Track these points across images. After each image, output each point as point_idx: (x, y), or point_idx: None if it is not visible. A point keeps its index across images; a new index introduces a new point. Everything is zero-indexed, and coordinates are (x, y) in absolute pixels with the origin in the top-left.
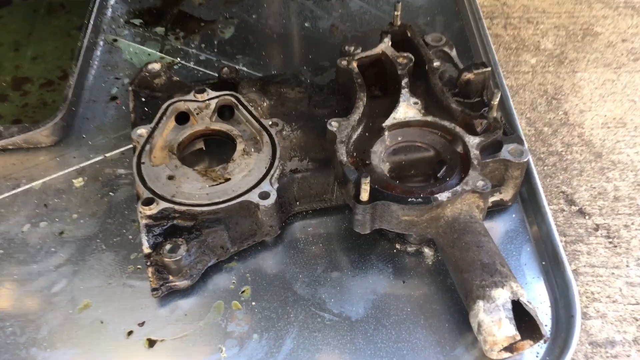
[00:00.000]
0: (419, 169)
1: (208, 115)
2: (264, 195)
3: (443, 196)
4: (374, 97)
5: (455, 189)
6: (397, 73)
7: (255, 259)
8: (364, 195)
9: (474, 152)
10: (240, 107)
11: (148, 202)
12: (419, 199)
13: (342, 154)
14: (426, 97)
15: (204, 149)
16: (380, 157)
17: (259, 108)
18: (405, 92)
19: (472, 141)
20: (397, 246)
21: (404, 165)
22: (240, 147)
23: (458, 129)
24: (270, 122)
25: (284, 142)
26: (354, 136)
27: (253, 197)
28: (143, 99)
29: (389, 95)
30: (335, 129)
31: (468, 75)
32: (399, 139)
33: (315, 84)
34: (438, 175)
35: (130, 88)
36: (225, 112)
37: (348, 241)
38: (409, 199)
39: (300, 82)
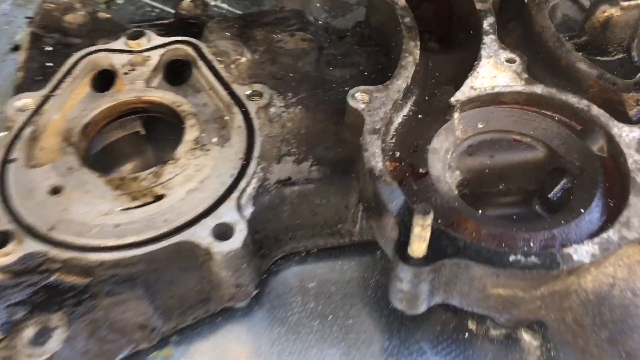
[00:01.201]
0: (513, 183)
1: (145, 76)
2: (223, 233)
3: (583, 254)
4: (432, 52)
5: (604, 236)
6: (474, 8)
7: (208, 340)
8: (418, 248)
9: (635, 157)
10: (200, 63)
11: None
12: (533, 259)
13: (375, 154)
14: (527, 50)
15: (143, 133)
16: (445, 160)
17: (233, 66)
18: (490, 40)
19: (628, 135)
20: (471, 325)
21: (488, 175)
22: (191, 134)
23: (595, 109)
24: (249, 91)
25: (270, 127)
26: (398, 120)
27: (201, 234)
28: (47, 48)
29: (460, 47)
30: (362, 105)
31: (608, 12)
32: (480, 126)
33: (332, 27)
34: (550, 194)
35: (28, 30)
36: (184, 72)
37: (380, 309)
38: (511, 258)
39: (306, 23)
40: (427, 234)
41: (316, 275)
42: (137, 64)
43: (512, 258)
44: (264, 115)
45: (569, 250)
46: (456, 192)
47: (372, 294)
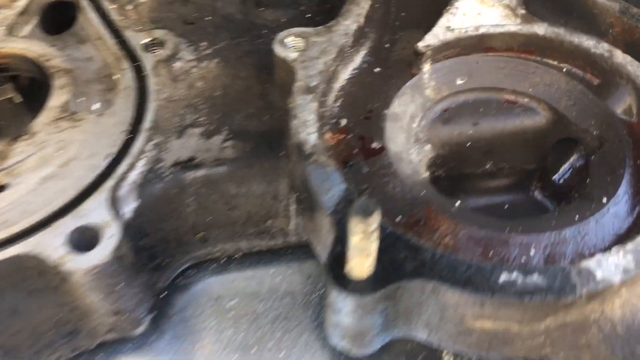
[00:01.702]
0: (505, 160)
1: (8, 22)
2: (84, 240)
3: (610, 269)
4: None
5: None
6: None
7: None
8: (360, 265)
9: None
10: (85, 3)
11: None
12: (535, 279)
13: (307, 123)
14: None
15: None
16: (410, 130)
17: (130, 7)
18: None
19: None
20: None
21: (471, 150)
22: (57, 99)
23: (618, 56)
24: (147, 40)
25: (173, 87)
26: (345, 75)
27: (50, 244)
28: None
29: None
30: (294, 54)
31: None
32: (460, 83)
33: None
34: (555, 176)
35: None
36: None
37: (324, 336)
38: (502, 278)
39: None
40: (372, 244)
41: (238, 289)
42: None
43: (503, 278)
44: (166, 72)
45: (589, 263)
46: (426, 174)
47: (313, 314)
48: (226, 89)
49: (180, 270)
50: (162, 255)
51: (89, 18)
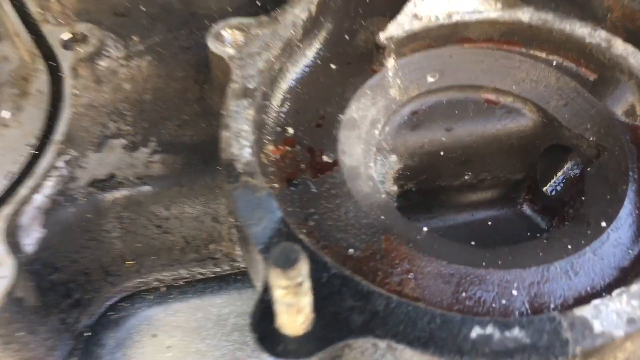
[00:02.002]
0: (486, 170)
1: None
2: None
3: (611, 319)
4: None
5: None
6: None
7: None
8: (291, 322)
9: None
10: None
11: None
12: (517, 333)
13: (240, 134)
14: None
15: None
16: (371, 138)
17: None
18: None
19: None
20: None
21: (445, 159)
22: None
23: (619, 46)
24: (67, 36)
25: (96, 91)
26: (292, 74)
27: None
28: None
29: None
30: (231, 50)
31: None
32: (431, 80)
33: None
34: (545, 186)
35: None
36: None
37: None
38: (474, 333)
39: None
40: (302, 299)
41: (180, 323)
42: None
43: (476, 333)
44: (88, 73)
45: (585, 311)
46: (394, 188)
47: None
48: (158, 92)
49: (110, 303)
50: (81, 290)
51: (5, 11)
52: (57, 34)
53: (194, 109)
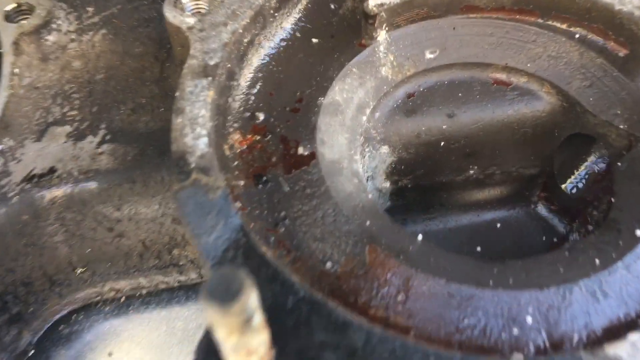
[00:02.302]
0: (495, 163)
1: None
2: None
3: None
4: None
5: None
6: None
7: None
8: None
9: None
10: None
11: None
12: None
13: (196, 121)
14: None
15: None
16: (357, 125)
17: None
18: None
19: None
20: None
21: (446, 150)
22: None
23: None
24: (11, 6)
25: (41, 69)
26: (264, 50)
27: None
28: None
29: None
30: (191, 19)
31: None
32: (430, 57)
33: None
34: (564, 183)
35: None
36: None
37: None
38: None
39: None
40: (254, 339)
41: (140, 339)
42: None
43: None
44: (32, 49)
45: (620, 348)
46: (386, 184)
47: None
48: (112, 70)
49: (58, 316)
50: (21, 303)
51: None
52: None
53: (152, 90)
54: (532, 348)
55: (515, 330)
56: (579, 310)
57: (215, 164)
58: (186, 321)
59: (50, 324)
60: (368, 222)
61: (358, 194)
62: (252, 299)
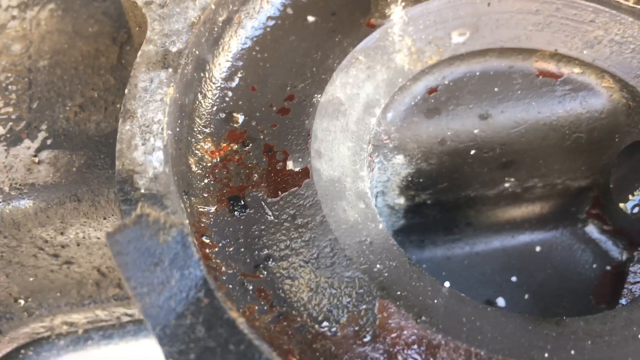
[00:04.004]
0: (537, 173)
1: None
2: None
3: None
4: None
5: None
6: None
7: None
8: None
9: None
10: None
11: None
12: None
13: (150, 130)
14: None
15: None
16: (365, 128)
17: None
18: None
19: None
20: None
21: (477, 159)
22: None
23: None
24: None
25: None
26: (245, 32)
27: None
28: None
29: None
30: None
31: None
32: (458, 41)
33: None
34: (622, 201)
35: None
36: None
37: None
38: None
39: None
40: None
41: None
42: None
43: None
44: None
45: None
46: (400, 200)
47: None
48: (59, 55)
49: (1, 354)
50: None
51: None
52: None
53: (107, 81)
54: None
55: None
56: None
57: (172, 189)
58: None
59: None
60: (378, 266)
61: (365, 225)
62: None
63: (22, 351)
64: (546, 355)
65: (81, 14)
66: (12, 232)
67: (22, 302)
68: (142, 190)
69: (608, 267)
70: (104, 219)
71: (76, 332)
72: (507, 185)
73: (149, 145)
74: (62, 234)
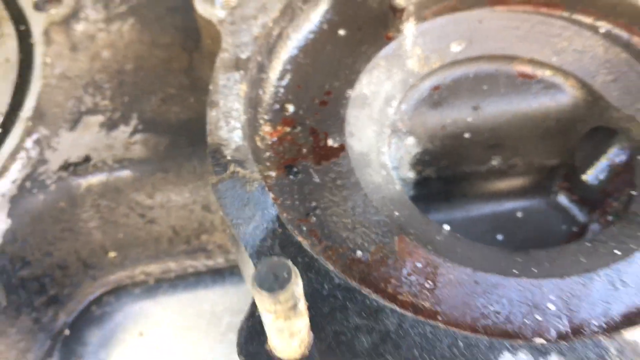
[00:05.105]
0: (517, 154)
1: None
2: None
3: None
4: None
5: None
6: None
7: None
8: (285, 347)
9: None
10: None
11: None
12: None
13: (229, 114)
14: None
15: None
16: (384, 117)
17: None
18: None
19: None
20: None
21: (471, 142)
22: None
23: None
24: None
25: (71, 59)
26: (294, 42)
27: None
28: None
29: None
30: (222, 11)
31: None
32: (457, 50)
33: None
34: (586, 175)
35: None
36: None
37: None
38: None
39: None
40: (296, 323)
41: (169, 321)
42: None
43: (503, 358)
44: (62, 39)
45: (637, 335)
46: (410, 174)
47: None
48: (141, 60)
49: (92, 298)
50: (57, 286)
51: None
52: None
53: (181, 81)
54: (554, 333)
55: (538, 317)
56: (599, 299)
57: (250, 156)
58: (213, 304)
59: (84, 305)
60: (397, 213)
61: (386, 186)
62: (297, 287)
63: (106, 297)
64: (515, 270)
65: (155, 27)
66: (113, 196)
67: (111, 254)
68: (229, 157)
69: (574, 229)
70: (185, 185)
71: (148, 282)
72: (494, 162)
73: (230, 126)
74: (150, 197)
